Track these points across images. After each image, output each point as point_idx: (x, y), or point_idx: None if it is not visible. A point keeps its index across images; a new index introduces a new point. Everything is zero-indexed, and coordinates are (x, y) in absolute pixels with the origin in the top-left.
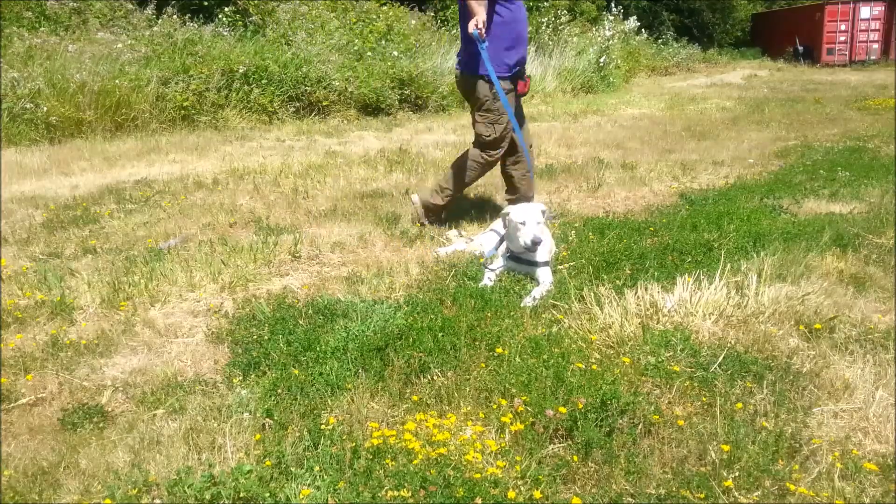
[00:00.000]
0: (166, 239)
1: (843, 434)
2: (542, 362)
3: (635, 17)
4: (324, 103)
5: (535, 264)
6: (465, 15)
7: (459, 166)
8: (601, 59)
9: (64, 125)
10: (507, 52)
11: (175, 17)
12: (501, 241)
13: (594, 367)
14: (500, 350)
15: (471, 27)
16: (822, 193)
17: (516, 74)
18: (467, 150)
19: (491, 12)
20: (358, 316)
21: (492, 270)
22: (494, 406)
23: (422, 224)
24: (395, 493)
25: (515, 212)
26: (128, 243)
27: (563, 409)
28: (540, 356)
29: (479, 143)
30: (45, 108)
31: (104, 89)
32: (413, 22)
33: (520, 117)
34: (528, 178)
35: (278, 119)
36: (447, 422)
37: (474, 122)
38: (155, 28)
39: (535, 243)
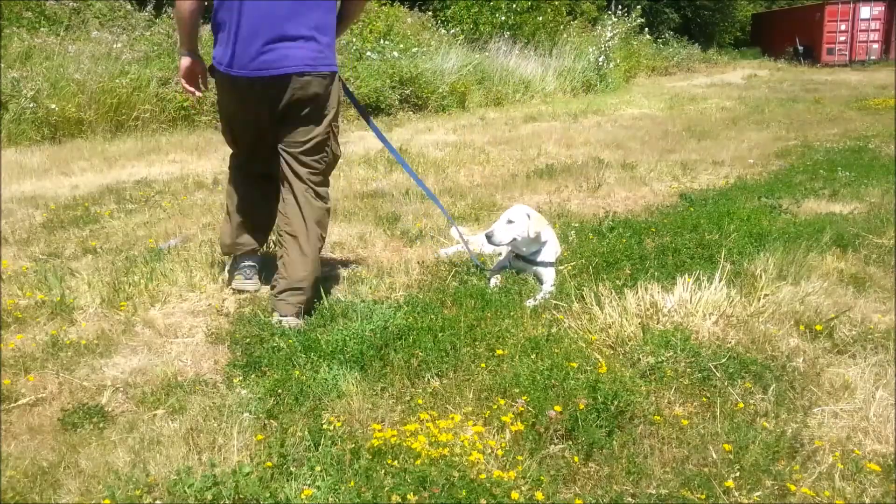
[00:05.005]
0: (166, 239)
1: (844, 434)
2: (542, 362)
3: (640, 11)
4: None
5: (540, 264)
6: None
7: None
8: (600, 59)
9: (64, 125)
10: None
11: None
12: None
13: (594, 367)
14: (500, 351)
15: None
16: (822, 193)
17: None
18: None
19: None
20: (358, 316)
21: (495, 272)
22: (494, 406)
23: None
24: (397, 494)
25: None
26: (128, 243)
27: (558, 408)
28: (540, 356)
29: None
30: (46, 107)
31: (104, 89)
32: (410, 20)
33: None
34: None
35: None
36: (449, 423)
37: None
38: (154, 28)
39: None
